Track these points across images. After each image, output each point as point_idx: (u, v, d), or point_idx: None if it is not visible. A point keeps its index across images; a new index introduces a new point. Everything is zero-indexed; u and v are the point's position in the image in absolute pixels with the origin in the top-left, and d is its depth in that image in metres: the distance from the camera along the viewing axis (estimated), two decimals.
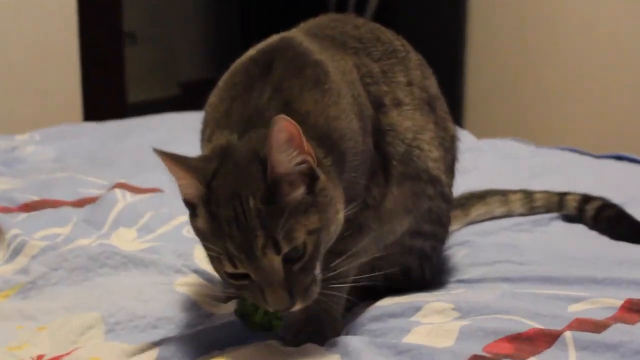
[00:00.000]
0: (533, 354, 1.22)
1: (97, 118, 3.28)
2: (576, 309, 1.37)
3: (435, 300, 1.41)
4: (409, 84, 1.50)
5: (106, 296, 1.45)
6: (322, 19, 1.55)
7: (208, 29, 5.60)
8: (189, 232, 1.75)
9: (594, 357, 1.20)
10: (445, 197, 1.52)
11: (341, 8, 4.40)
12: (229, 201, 1.15)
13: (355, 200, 1.32)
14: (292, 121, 1.14)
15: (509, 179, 2.13)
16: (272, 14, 4.95)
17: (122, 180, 2.11)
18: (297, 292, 1.18)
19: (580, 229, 1.82)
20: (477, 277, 1.57)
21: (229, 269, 1.17)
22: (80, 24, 3.69)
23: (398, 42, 1.55)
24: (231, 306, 1.38)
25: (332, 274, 1.25)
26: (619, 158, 2.37)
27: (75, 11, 3.67)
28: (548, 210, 1.88)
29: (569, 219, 1.86)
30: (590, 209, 1.83)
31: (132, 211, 1.89)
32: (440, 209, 1.51)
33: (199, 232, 1.21)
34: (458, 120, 2.53)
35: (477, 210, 1.87)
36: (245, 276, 1.18)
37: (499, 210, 1.88)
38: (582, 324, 1.29)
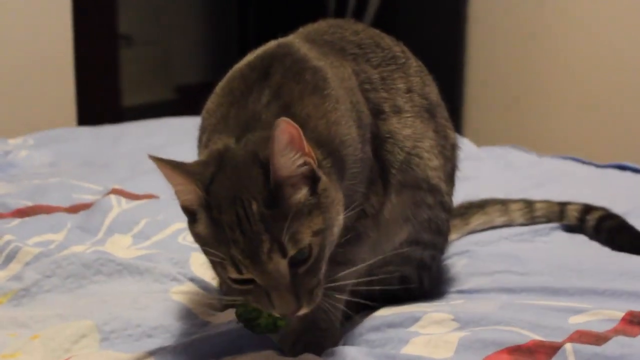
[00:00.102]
0: None
1: (91, 122, 3.27)
2: (577, 321, 1.36)
3: (434, 310, 1.40)
4: (409, 90, 1.49)
5: (100, 304, 1.44)
6: (320, 25, 1.54)
7: (205, 32, 5.60)
8: (184, 239, 1.75)
9: None
10: (445, 206, 1.51)
11: (340, 13, 4.40)
12: (230, 206, 1.14)
13: (354, 209, 1.31)
14: (294, 123, 1.12)
15: (509, 188, 2.12)
16: (270, 18, 4.95)
17: (117, 186, 2.11)
18: (303, 295, 1.16)
19: (581, 239, 1.82)
20: (477, 287, 1.56)
21: (234, 274, 1.16)
22: (75, 26, 3.69)
23: (398, 48, 1.54)
24: (227, 315, 1.38)
25: (330, 284, 1.24)
26: (622, 168, 2.37)
27: (70, 13, 3.66)
28: (549, 220, 1.88)
29: (570, 229, 1.86)
30: (592, 219, 1.82)
31: (127, 218, 1.88)
32: (439, 218, 1.50)
33: (199, 238, 1.20)
34: (458, 127, 2.53)
35: (477, 220, 1.87)
36: (249, 281, 1.17)
37: (499, 220, 1.88)
38: (583, 336, 1.28)
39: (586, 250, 1.75)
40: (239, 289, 1.19)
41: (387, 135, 1.42)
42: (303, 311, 1.18)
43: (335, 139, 1.26)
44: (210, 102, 1.34)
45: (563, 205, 1.88)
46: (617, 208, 1.85)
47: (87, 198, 2.07)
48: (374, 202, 1.40)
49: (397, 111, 1.45)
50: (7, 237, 1.70)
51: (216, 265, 1.19)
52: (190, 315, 1.42)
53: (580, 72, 3.77)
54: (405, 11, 4.26)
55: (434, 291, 1.56)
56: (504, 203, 1.90)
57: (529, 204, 1.90)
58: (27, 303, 1.49)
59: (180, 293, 1.50)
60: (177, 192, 1.19)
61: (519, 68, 4.00)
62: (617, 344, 1.24)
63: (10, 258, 1.64)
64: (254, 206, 1.13)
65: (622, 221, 1.79)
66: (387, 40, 1.54)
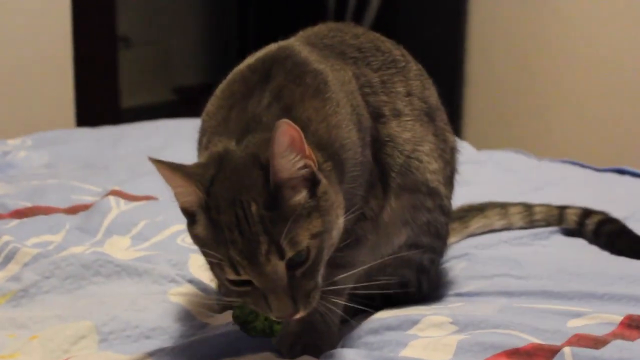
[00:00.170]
0: None
1: (90, 123, 3.27)
2: (576, 324, 1.36)
3: (432, 313, 1.40)
4: (409, 94, 1.49)
5: (99, 305, 1.45)
6: (321, 28, 1.54)
7: (204, 33, 5.59)
8: (183, 241, 1.75)
9: None
10: (444, 209, 1.51)
11: (340, 13, 4.40)
12: (229, 207, 1.14)
13: (353, 212, 1.31)
14: (294, 125, 1.13)
15: (508, 191, 2.12)
16: (270, 20, 4.95)
17: (116, 187, 2.10)
18: (300, 298, 1.17)
19: (580, 243, 1.82)
20: (476, 290, 1.56)
21: (231, 275, 1.16)
22: (74, 27, 3.69)
23: (397, 52, 1.54)
24: (226, 317, 1.38)
25: (329, 286, 1.24)
26: (621, 172, 2.37)
27: (69, 14, 3.66)
28: (548, 224, 1.87)
29: (569, 233, 1.86)
30: (591, 223, 1.82)
31: (126, 219, 1.88)
32: (438, 221, 1.50)
33: (198, 239, 1.20)
34: (457, 131, 2.53)
35: (476, 223, 1.86)
36: (247, 282, 1.17)
37: (498, 223, 1.88)
38: (582, 340, 1.28)
39: (585, 254, 1.75)
40: (236, 290, 1.19)
41: (387, 139, 1.42)
42: (300, 314, 1.18)
43: (335, 142, 1.26)
44: (210, 105, 1.34)
45: (562, 209, 1.88)
46: (617, 212, 1.85)
47: (86, 199, 2.07)
48: (373, 206, 1.40)
49: (397, 115, 1.45)
50: (6, 238, 1.70)
51: (214, 266, 1.19)
52: (188, 317, 1.42)
53: (580, 76, 3.77)
54: (405, 14, 4.26)
55: (432, 294, 1.56)
56: (503, 206, 1.90)
57: (528, 207, 1.90)
58: (25, 304, 1.49)
59: (178, 295, 1.50)
60: (176, 194, 1.19)
61: (519, 71, 4.00)
62: (615, 348, 1.24)
63: (8, 259, 1.64)
64: (253, 207, 1.13)
65: (622, 225, 1.79)
66: (387, 44, 1.54)
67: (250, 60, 1.37)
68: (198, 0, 5.54)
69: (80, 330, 1.35)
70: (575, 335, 1.30)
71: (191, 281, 1.57)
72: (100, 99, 4.07)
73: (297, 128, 1.13)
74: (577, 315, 1.39)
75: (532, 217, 1.88)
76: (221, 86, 1.36)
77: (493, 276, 1.60)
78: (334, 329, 1.36)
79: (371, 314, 1.43)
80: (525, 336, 1.29)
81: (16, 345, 1.32)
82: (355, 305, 1.40)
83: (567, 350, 1.22)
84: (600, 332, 1.32)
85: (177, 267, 1.62)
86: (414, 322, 1.37)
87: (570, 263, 1.64)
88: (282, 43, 1.40)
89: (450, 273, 1.66)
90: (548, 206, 1.90)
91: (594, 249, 1.78)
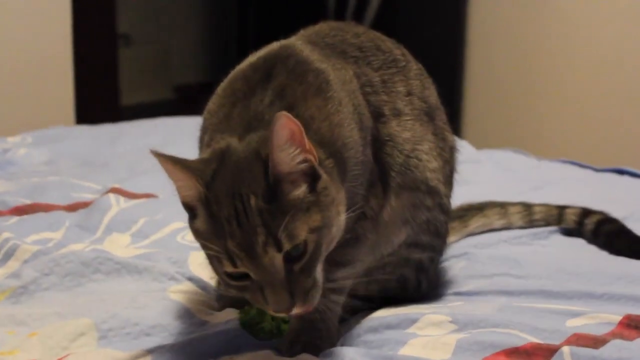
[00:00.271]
0: None
1: (89, 120, 3.27)
2: (574, 324, 1.36)
3: (432, 312, 1.40)
4: (409, 93, 1.49)
5: (99, 302, 1.44)
6: (322, 27, 1.54)
7: (204, 32, 5.59)
8: (183, 238, 1.75)
9: None
10: (444, 208, 1.51)
11: (340, 13, 4.40)
12: (229, 200, 1.14)
13: (353, 210, 1.31)
14: (294, 119, 1.13)
15: (508, 191, 2.12)
16: (270, 19, 4.95)
17: (116, 185, 2.10)
18: (297, 293, 1.16)
19: (579, 243, 1.82)
20: (475, 289, 1.56)
21: (229, 268, 1.16)
22: (74, 25, 3.69)
23: (398, 51, 1.54)
24: (225, 314, 1.37)
25: (328, 284, 1.24)
26: (620, 172, 2.37)
27: (69, 12, 3.66)
28: (547, 224, 1.87)
29: (569, 232, 1.86)
30: (590, 223, 1.82)
31: (125, 216, 1.88)
32: (438, 220, 1.50)
33: (198, 233, 1.20)
34: (457, 130, 2.53)
35: (475, 222, 1.86)
36: (245, 276, 1.17)
37: (497, 223, 1.88)
38: (580, 339, 1.28)
39: (584, 254, 1.75)
40: (234, 285, 1.19)
41: (387, 138, 1.43)
42: (297, 310, 1.17)
43: (337, 141, 1.27)
44: (212, 103, 1.34)
45: (562, 208, 1.88)
46: (616, 212, 1.85)
47: (85, 197, 2.07)
48: (373, 205, 1.40)
49: (397, 114, 1.45)
50: (6, 235, 1.70)
51: (213, 259, 1.19)
52: (188, 315, 1.42)
53: (580, 76, 3.78)
54: (405, 13, 4.27)
55: (432, 293, 1.56)
56: (502, 206, 1.90)
57: (527, 207, 1.90)
58: (25, 301, 1.49)
59: (178, 292, 1.50)
60: (178, 188, 1.19)
61: (519, 71, 4.01)
62: (614, 347, 1.24)
63: (8, 256, 1.64)
64: (252, 200, 1.13)
65: (621, 225, 1.79)
66: (388, 43, 1.54)
67: (251, 59, 1.37)
68: None
69: (80, 327, 1.35)
70: (574, 335, 1.30)
71: (191, 279, 1.56)
72: (100, 97, 4.08)
73: (297, 121, 1.13)
74: (576, 314, 1.39)
75: (532, 216, 1.88)
76: (223, 84, 1.36)
77: (492, 275, 1.60)
78: (333, 327, 1.36)
79: (370, 312, 1.43)
80: (524, 335, 1.29)
81: (15, 342, 1.32)
82: (355, 304, 1.40)
83: (565, 349, 1.22)
84: (599, 331, 1.32)
85: (177, 264, 1.62)
86: (413, 321, 1.37)
87: (569, 263, 1.64)
88: (283, 42, 1.40)
89: (450, 272, 1.66)
90: (547, 206, 1.90)
91: (593, 249, 1.78)
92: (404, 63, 1.52)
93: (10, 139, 2.71)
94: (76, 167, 2.42)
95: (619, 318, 1.36)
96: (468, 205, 1.89)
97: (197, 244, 1.65)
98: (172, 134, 2.64)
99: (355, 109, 1.34)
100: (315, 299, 1.19)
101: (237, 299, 1.43)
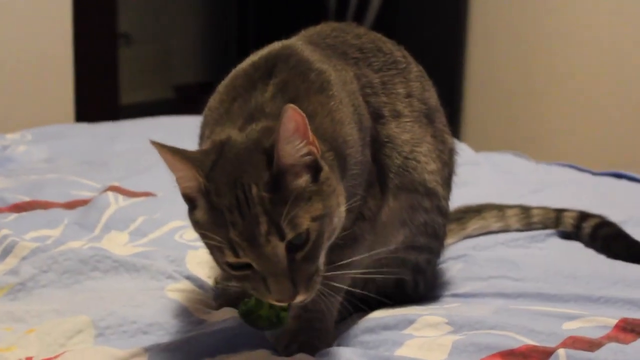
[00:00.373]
0: None
1: (89, 119, 3.27)
2: (570, 327, 1.37)
3: (428, 313, 1.40)
4: (409, 95, 1.49)
5: (96, 300, 1.44)
6: (323, 28, 1.54)
7: (204, 32, 5.59)
8: (181, 237, 1.75)
9: None
10: (442, 210, 1.51)
11: (340, 13, 4.40)
12: (230, 190, 1.14)
13: (352, 211, 1.31)
14: (300, 111, 1.13)
15: (506, 193, 2.13)
16: (270, 19, 4.95)
17: (115, 183, 2.10)
18: (299, 281, 1.16)
19: (576, 246, 1.82)
20: (472, 291, 1.56)
21: (231, 258, 1.16)
22: (75, 24, 3.69)
23: (399, 53, 1.54)
24: (223, 313, 1.38)
25: (326, 284, 1.24)
26: (618, 176, 2.37)
27: (70, 11, 3.66)
28: (545, 227, 1.88)
29: (566, 235, 1.86)
30: (588, 226, 1.83)
31: (124, 215, 1.88)
32: (436, 222, 1.50)
33: (198, 225, 1.20)
34: (456, 133, 2.53)
35: (473, 225, 1.87)
36: (247, 266, 1.17)
37: (495, 225, 1.88)
38: (576, 342, 1.29)
39: (581, 257, 1.75)
40: (236, 275, 1.19)
41: (386, 140, 1.43)
42: (300, 298, 1.17)
43: (339, 138, 1.27)
44: (213, 100, 1.35)
45: (559, 212, 1.88)
46: (613, 216, 1.85)
47: (84, 195, 2.07)
48: (371, 206, 1.40)
49: (397, 116, 1.45)
50: (4, 232, 1.70)
51: (214, 250, 1.18)
52: (185, 313, 1.42)
53: (579, 80, 3.78)
54: (405, 14, 4.27)
55: (429, 295, 1.56)
56: (500, 208, 1.90)
57: (525, 210, 1.90)
58: (23, 297, 1.49)
59: (176, 291, 1.50)
60: (177, 179, 1.19)
61: (519, 74, 4.01)
62: (610, 351, 1.25)
63: (6, 252, 1.64)
64: (254, 190, 1.13)
65: (618, 229, 1.80)
66: (389, 45, 1.55)
67: (253, 58, 1.37)
68: None
69: (77, 324, 1.35)
70: (570, 338, 1.30)
71: (188, 277, 1.56)
72: (99, 96, 4.08)
73: (302, 114, 1.13)
74: (573, 317, 1.39)
75: (529, 219, 1.88)
76: (223, 82, 1.36)
77: (489, 278, 1.61)
78: (330, 327, 1.37)
79: (367, 313, 1.43)
80: (521, 338, 1.30)
81: (13, 339, 1.32)
82: (352, 304, 1.40)
83: (561, 352, 1.22)
84: (595, 334, 1.32)
85: (175, 263, 1.62)
86: (410, 322, 1.38)
87: (566, 266, 1.65)
88: (284, 42, 1.40)
89: (447, 274, 1.66)
90: (545, 209, 1.90)
91: (590, 252, 1.79)
92: (404, 65, 1.53)
93: (10, 136, 2.71)
94: (75, 164, 2.42)
95: (614, 321, 1.37)
96: (466, 208, 1.90)
97: (195, 243, 1.67)
98: (172, 133, 2.63)
99: (355, 109, 1.35)
100: (317, 285, 1.19)
101: (234, 298, 1.44)
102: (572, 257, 1.74)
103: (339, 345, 1.34)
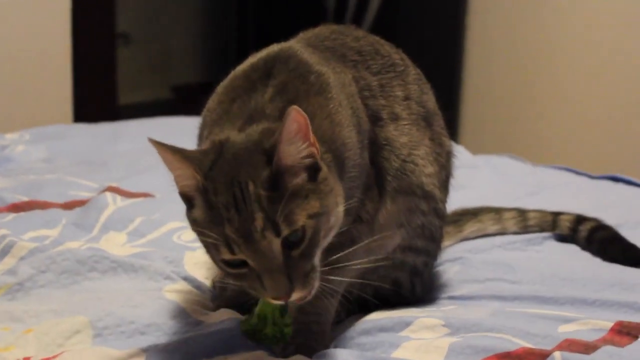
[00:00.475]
0: None
1: (87, 119, 3.27)
2: (566, 330, 1.37)
3: (425, 316, 1.41)
4: (407, 98, 1.50)
5: (94, 300, 1.44)
6: (321, 30, 1.55)
7: (203, 32, 5.59)
8: (179, 238, 1.75)
9: None
10: (439, 213, 1.51)
11: (339, 16, 4.40)
12: (228, 188, 1.15)
13: (350, 213, 1.31)
14: (303, 113, 1.14)
15: (503, 196, 2.13)
16: (269, 19, 4.95)
17: (113, 184, 2.11)
18: (296, 278, 1.16)
19: (573, 249, 1.82)
20: (469, 294, 1.56)
21: (227, 255, 1.16)
22: (73, 24, 3.69)
23: (397, 56, 1.55)
24: (220, 315, 1.38)
25: (323, 287, 1.24)
26: (615, 179, 2.37)
27: (68, 11, 3.66)
28: (541, 230, 1.88)
29: (563, 239, 1.87)
30: (584, 229, 1.83)
31: (122, 215, 1.88)
32: (433, 224, 1.51)
33: (195, 223, 1.20)
34: (454, 135, 2.54)
35: (470, 227, 1.87)
36: (243, 264, 1.17)
37: (492, 228, 1.88)
38: (572, 345, 1.29)
39: (578, 261, 1.75)
40: (232, 273, 1.19)
41: (384, 143, 1.43)
42: (297, 295, 1.17)
43: (337, 140, 1.28)
44: (211, 101, 1.35)
45: (556, 215, 1.89)
46: (610, 219, 1.85)
47: (82, 195, 2.07)
48: (369, 208, 1.41)
49: (395, 119, 1.46)
50: (2, 232, 1.70)
51: (210, 248, 1.19)
52: (183, 314, 1.42)
53: (576, 83, 3.78)
54: (403, 16, 4.27)
55: (426, 297, 1.57)
56: (497, 211, 1.91)
57: (522, 212, 1.91)
58: (21, 297, 1.49)
59: (173, 292, 1.50)
60: (176, 178, 1.19)
61: (517, 77, 4.01)
62: (605, 354, 1.25)
63: (5, 252, 1.64)
64: (251, 186, 1.14)
65: (614, 232, 1.80)
66: (387, 48, 1.55)
67: (251, 59, 1.38)
68: None
69: (75, 325, 1.35)
70: (566, 340, 1.31)
71: (186, 279, 1.57)
72: (98, 96, 4.08)
73: (305, 115, 1.14)
74: (568, 320, 1.40)
75: (526, 222, 1.89)
76: (222, 84, 1.37)
77: (486, 280, 1.61)
78: (327, 329, 1.37)
79: (364, 315, 1.44)
80: (517, 340, 1.30)
81: (11, 339, 1.32)
82: (349, 306, 1.41)
83: (557, 354, 1.23)
84: (590, 337, 1.33)
85: (173, 264, 1.62)
86: (406, 324, 1.38)
87: (562, 269, 1.65)
88: (283, 44, 1.41)
89: (444, 276, 1.67)
90: (542, 212, 1.91)
91: (587, 256, 1.79)
92: (402, 68, 1.53)
93: (8, 136, 2.71)
94: (74, 165, 2.42)
95: (610, 324, 1.37)
96: (463, 210, 1.90)
97: (193, 244, 1.67)
98: (171, 134, 2.62)
99: (354, 112, 1.35)
100: (314, 283, 1.20)
101: (232, 299, 1.44)
102: (568, 260, 1.74)
103: (335, 347, 1.34)
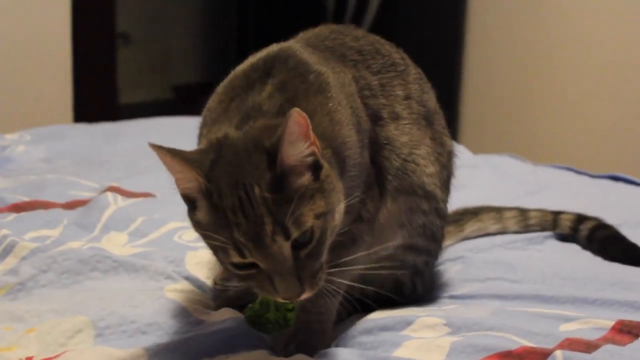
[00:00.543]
0: None
1: (87, 119, 3.28)
2: (567, 329, 1.37)
3: (426, 315, 1.41)
4: (407, 97, 1.50)
5: (96, 300, 1.45)
6: (321, 30, 1.55)
7: (203, 32, 5.59)
8: (180, 238, 1.76)
9: None
10: (440, 212, 1.52)
11: (339, 16, 4.40)
12: (232, 190, 1.14)
13: (351, 212, 1.32)
14: (304, 113, 1.13)
15: (504, 195, 2.13)
16: (269, 19, 4.95)
17: (114, 183, 2.11)
18: (305, 278, 1.17)
19: (573, 248, 1.83)
20: (470, 293, 1.56)
21: (236, 258, 1.16)
22: (74, 24, 3.69)
23: (397, 55, 1.55)
24: (222, 314, 1.38)
25: (325, 286, 1.24)
26: (615, 179, 2.38)
27: (68, 11, 3.66)
28: (542, 229, 1.88)
29: (563, 238, 1.87)
30: (585, 229, 1.83)
31: (123, 215, 1.88)
32: (434, 224, 1.51)
33: (199, 225, 1.20)
34: (454, 135, 2.54)
35: (471, 227, 1.87)
36: (251, 265, 1.17)
37: (493, 227, 1.89)
38: (573, 344, 1.29)
39: (579, 260, 1.75)
40: (240, 274, 1.19)
41: (385, 142, 1.43)
42: (305, 295, 1.18)
43: (337, 138, 1.28)
44: (211, 101, 1.35)
45: (557, 214, 1.89)
46: (611, 218, 1.86)
47: (83, 195, 2.07)
48: (370, 208, 1.40)
49: (395, 118, 1.46)
50: (4, 232, 1.70)
51: (218, 250, 1.18)
52: (184, 314, 1.42)
53: (576, 82, 3.79)
54: (403, 16, 4.27)
55: (427, 296, 1.57)
56: (498, 211, 1.91)
57: (523, 212, 1.91)
58: (23, 297, 1.49)
59: (175, 291, 1.50)
60: (176, 180, 1.19)
61: (517, 76, 4.02)
62: (606, 353, 1.25)
63: (6, 252, 1.64)
64: (256, 190, 1.13)
65: (615, 231, 1.80)
66: (387, 47, 1.55)
67: (251, 59, 1.38)
68: None
69: (77, 324, 1.35)
70: (567, 339, 1.31)
71: (187, 278, 1.57)
72: (98, 96, 4.08)
73: (305, 116, 1.14)
74: (569, 319, 1.40)
75: (527, 221, 1.89)
76: (222, 83, 1.37)
77: (487, 279, 1.61)
78: (328, 328, 1.37)
79: (365, 314, 1.44)
80: (518, 339, 1.30)
81: (13, 338, 1.32)
82: (350, 306, 1.41)
83: (558, 353, 1.23)
84: (591, 336, 1.33)
85: (174, 263, 1.62)
86: (408, 323, 1.38)
87: (563, 268, 1.65)
88: (283, 44, 1.41)
89: (445, 275, 1.67)
90: (543, 211, 1.91)
91: (588, 255, 1.79)
92: (403, 67, 1.53)
93: (9, 136, 2.71)
94: (74, 165, 2.43)
95: (611, 323, 1.37)
96: (464, 210, 1.90)
97: (194, 244, 1.67)
98: (171, 134, 2.64)
99: (354, 111, 1.35)
100: (321, 281, 1.20)
101: (233, 299, 1.44)
102: (569, 260, 1.74)
103: (337, 346, 1.34)
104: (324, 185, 1.18)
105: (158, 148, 1.15)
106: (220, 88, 1.36)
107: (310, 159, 1.17)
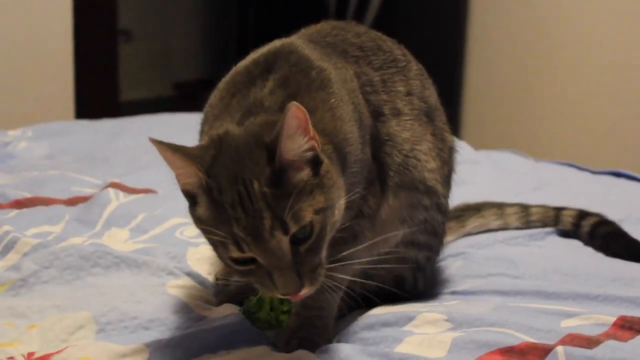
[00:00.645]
0: None
1: (89, 115, 3.28)
2: (569, 324, 1.37)
3: (428, 310, 1.41)
4: (409, 93, 1.50)
5: (97, 296, 1.45)
6: (323, 26, 1.55)
7: (205, 29, 5.59)
8: (182, 234, 1.76)
9: None
10: (441, 208, 1.51)
11: (340, 15, 4.40)
12: (232, 185, 1.14)
13: (352, 208, 1.32)
14: (302, 107, 1.13)
15: (505, 191, 2.13)
16: (270, 16, 4.95)
17: (116, 180, 2.11)
18: (304, 274, 1.17)
19: (575, 244, 1.83)
20: (471, 289, 1.56)
21: (235, 253, 1.16)
22: (75, 21, 3.69)
23: (399, 51, 1.55)
24: (223, 310, 1.38)
25: (326, 282, 1.24)
26: (617, 175, 2.38)
27: (70, 7, 3.66)
28: (544, 225, 1.88)
29: (565, 234, 1.87)
30: (586, 224, 1.83)
31: (125, 211, 1.89)
32: (435, 220, 1.51)
33: (200, 221, 1.20)
34: (456, 131, 2.54)
35: (472, 222, 1.87)
36: (251, 261, 1.17)
37: (494, 223, 1.89)
38: (575, 340, 1.29)
39: (580, 256, 1.75)
40: (240, 269, 1.19)
41: (386, 138, 1.43)
42: (305, 291, 1.18)
43: (339, 134, 1.28)
44: (213, 97, 1.35)
45: (558, 210, 1.89)
46: (612, 214, 1.86)
47: (85, 191, 2.07)
48: (371, 204, 1.40)
49: (397, 114, 1.46)
50: (6, 228, 1.70)
51: (217, 245, 1.19)
52: (186, 309, 1.42)
53: (578, 79, 3.78)
54: (405, 13, 4.27)
55: (428, 292, 1.57)
56: (500, 206, 1.91)
57: (524, 208, 1.91)
58: (24, 293, 1.50)
59: (176, 287, 1.51)
60: (177, 176, 1.19)
61: (518, 72, 4.02)
62: (608, 348, 1.25)
63: (8, 248, 1.64)
64: (256, 185, 1.13)
65: (617, 227, 1.80)
66: (389, 43, 1.55)
67: (253, 55, 1.38)
68: None
69: (79, 320, 1.35)
70: (569, 335, 1.31)
71: (189, 274, 1.57)
72: (100, 93, 4.08)
73: (304, 110, 1.14)
74: (571, 315, 1.40)
75: (529, 217, 1.89)
76: (224, 79, 1.37)
77: (488, 275, 1.61)
78: (330, 324, 1.37)
79: (367, 309, 1.44)
80: (519, 335, 1.30)
81: (14, 334, 1.32)
82: (352, 301, 1.41)
83: (560, 349, 1.23)
84: (593, 332, 1.33)
85: (176, 259, 1.62)
86: (409, 319, 1.38)
87: (565, 264, 1.65)
88: (284, 40, 1.41)
89: (446, 271, 1.67)
90: (544, 207, 1.91)
91: (589, 251, 1.79)
92: (404, 63, 1.53)
93: (11, 133, 2.71)
94: (76, 161, 2.43)
95: (613, 319, 1.37)
96: (465, 206, 1.90)
97: (196, 240, 1.67)
98: (172, 130, 2.64)
99: (355, 107, 1.35)
100: (321, 277, 1.20)
101: (235, 294, 1.44)
102: (570, 256, 1.74)
103: (338, 341, 1.34)
104: (323, 181, 1.18)
105: (159, 143, 1.15)
106: (221, 84, 1.36)
107: (309, 154, 1.17)
